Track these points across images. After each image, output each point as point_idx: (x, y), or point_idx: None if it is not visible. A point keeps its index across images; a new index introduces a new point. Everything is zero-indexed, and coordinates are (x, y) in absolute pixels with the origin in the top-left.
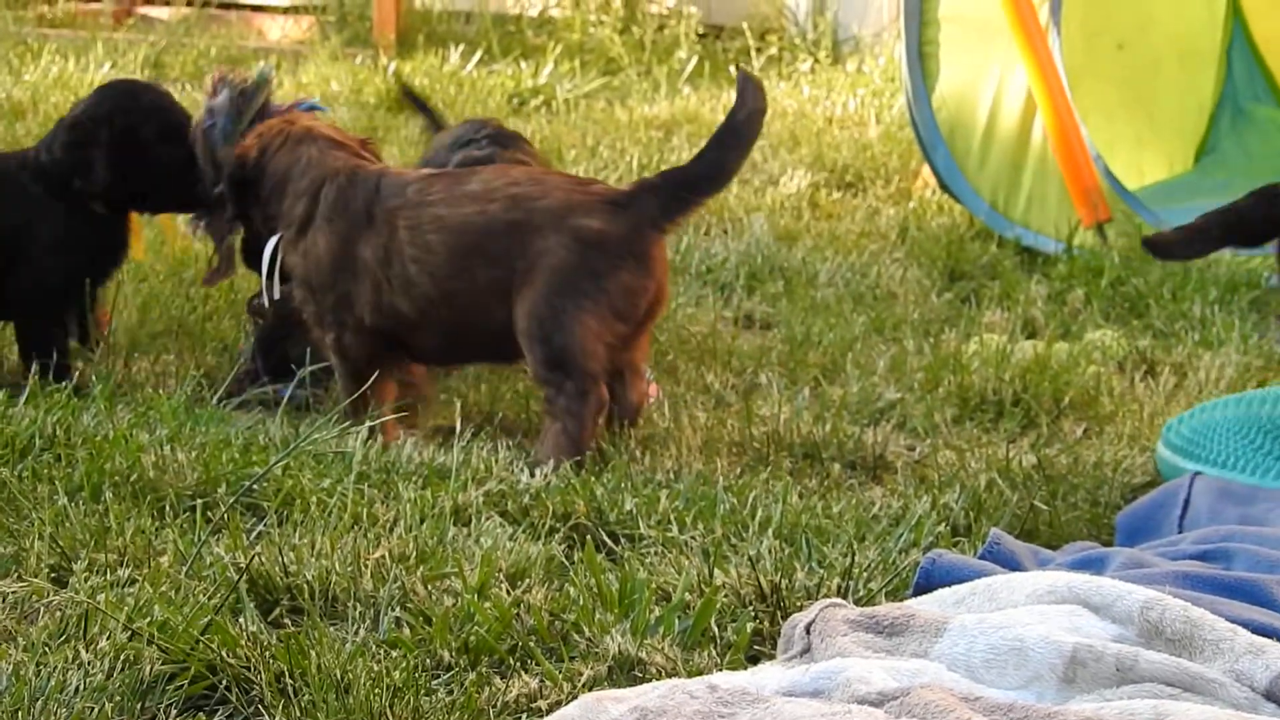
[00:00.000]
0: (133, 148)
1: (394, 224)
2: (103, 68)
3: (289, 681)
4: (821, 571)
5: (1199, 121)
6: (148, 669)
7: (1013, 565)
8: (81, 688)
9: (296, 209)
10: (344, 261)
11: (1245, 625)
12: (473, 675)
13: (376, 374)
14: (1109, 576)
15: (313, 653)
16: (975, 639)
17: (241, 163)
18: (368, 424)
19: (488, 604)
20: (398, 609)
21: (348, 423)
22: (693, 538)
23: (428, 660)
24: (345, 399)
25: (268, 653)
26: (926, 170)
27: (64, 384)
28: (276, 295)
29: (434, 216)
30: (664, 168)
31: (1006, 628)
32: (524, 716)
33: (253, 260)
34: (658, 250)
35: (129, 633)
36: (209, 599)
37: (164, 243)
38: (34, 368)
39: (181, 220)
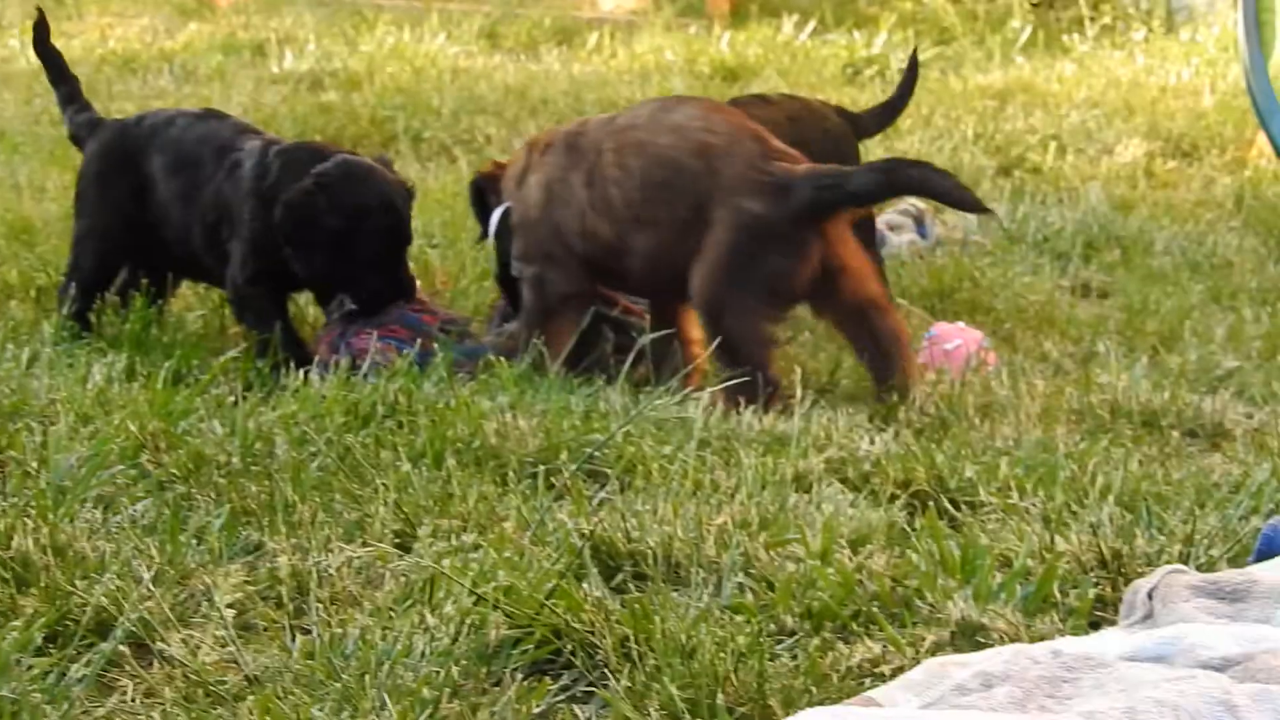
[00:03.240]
0: None
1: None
2: (438, 38)
3: (634, 646)
4: (1162, 538)
5: None
6: (493, 633)
7: None
8: (427, 652)
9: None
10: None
11: None
12: (816, 640)
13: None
14: None
15: (657, 618)
16: None
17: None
18: (708, 390)
19: (830, 570)
20: (740, 574)
21: (689, 389)
22: (1033, 505)
23: (771, 625)
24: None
25: (612, 617)
26: (1262, 139)
27: None
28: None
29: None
30: (998, 138)
31: None
32: (867, 681)
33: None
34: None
35: (474, 597)
36: (553, 564)
37: None
38: None
39: None
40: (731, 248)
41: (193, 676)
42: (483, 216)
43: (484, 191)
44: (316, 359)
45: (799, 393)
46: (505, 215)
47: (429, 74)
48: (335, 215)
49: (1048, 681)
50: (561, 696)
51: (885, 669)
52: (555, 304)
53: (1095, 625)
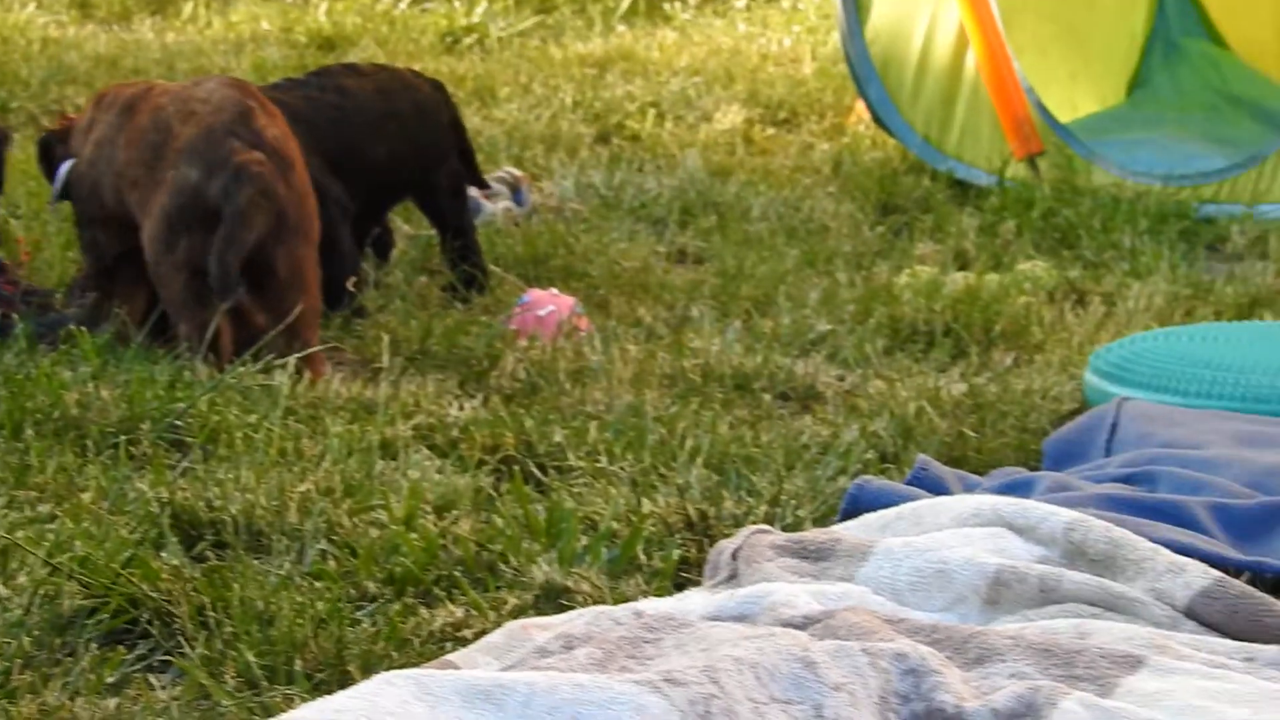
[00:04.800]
0: None
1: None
2: (28, 8)
3: (211, 614)
4: (750, 500)
5: (1131, 55)
6: (67, 604)
7: (940, 490)
8: None
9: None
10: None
11: (1167, 545)
12: (398, 605)
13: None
14: (1034, 500)
15: (235, 585)
16: (900, 562)
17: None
18: (294, 357)
19: (414, 535)
20: (323, 542)
21: (270, 356)
22: (622, 468)
23: (353, 591)
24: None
25: (189, 586)
26: (860, 105)
27: None
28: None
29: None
30: (597, 105)
31: (931, 551)
32: (449, 645)
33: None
34: None
35: (49, 568)
36: (131, 534)
37: None
38: None
39: None
40: (166, 211)
41: None
42: (51, 176)
43: (51, 148)
44: None
45: (387, 360)
46: (72, 171)
47: (17, 44)
48: None
49: (629, 642)
50: (138, 666)
51: (467, 633)
52: (111, 264)
53: (680, 586)
